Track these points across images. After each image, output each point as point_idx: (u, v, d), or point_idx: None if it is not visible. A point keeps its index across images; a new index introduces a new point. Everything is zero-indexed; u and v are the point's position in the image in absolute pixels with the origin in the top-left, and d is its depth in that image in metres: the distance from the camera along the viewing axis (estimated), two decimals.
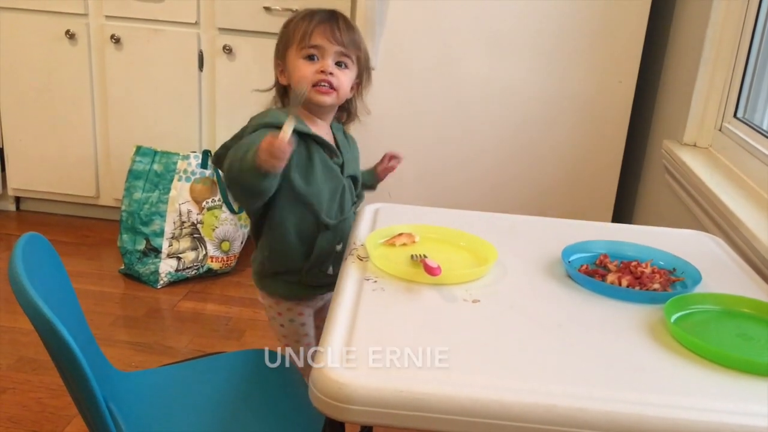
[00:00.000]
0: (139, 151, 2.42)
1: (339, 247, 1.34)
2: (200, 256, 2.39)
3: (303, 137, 1.28)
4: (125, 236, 2.37)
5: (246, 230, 2.52)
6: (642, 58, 2.17)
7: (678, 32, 2.12)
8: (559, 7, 2.13)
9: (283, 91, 1.38)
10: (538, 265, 1.16)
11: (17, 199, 2.84)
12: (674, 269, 1.15)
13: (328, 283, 1.34)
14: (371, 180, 1.51)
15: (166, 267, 2.34)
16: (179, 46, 2.49)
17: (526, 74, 2.20)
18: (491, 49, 2.19)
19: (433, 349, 0.89)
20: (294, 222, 1.30)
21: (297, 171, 1.26)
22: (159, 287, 2.34)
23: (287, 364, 1.22)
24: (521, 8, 2.14)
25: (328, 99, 1.31)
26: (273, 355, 1.25)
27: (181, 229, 2.37)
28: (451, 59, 2.21)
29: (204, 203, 2.39)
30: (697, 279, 1.11)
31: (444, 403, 0.80)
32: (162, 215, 2.35)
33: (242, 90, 2.52)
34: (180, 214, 2.36)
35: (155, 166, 2.40)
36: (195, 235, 2.38)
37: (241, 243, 2.50)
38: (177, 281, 2.38)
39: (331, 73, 1.29)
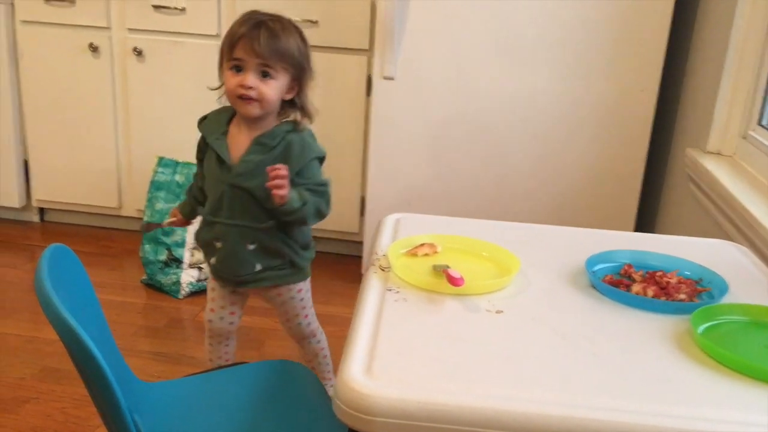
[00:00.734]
0: (161, 162, 2.44)
1: (219, 246, 1.48)
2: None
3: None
4: (147, 246, 2.38)
5: None
6: (664, 66, 2.15)
7: (701, 38, 2.10)
8: (579, 15, 2.13)
9: None
10: (561, 275, 1.15)
11: (41, 211, 2.88)
12: (700, 279, 1.14)
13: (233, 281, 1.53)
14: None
15: (188, 277, 2.36)
16: (200, 58, 2.51)
17: (546, 83, 2.20)
18: (511, 57, 2.19)
19: (456, 361, 0.88)
20: (203, 207, 1.52)
21: (204, 164, 1.48)
22: (180, 297, 2.35)
23: (309, 376, 1.22)
24: (541, 16, 2.14)
25: (252, 110, 1.39)
26: (294, 366, 1.25)
27: None
28: (469, 68, 2.21)
29: None
30: (723, 289, 1.09)
31: (468, 416, 0.80)
32: None
33: None
34: None
35: (177, 177, 2.42)
36: None
37: None
38: (198, 291, 2.39)
39: (250, 87, 1.37)
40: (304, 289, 1.61)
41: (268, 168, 1.33)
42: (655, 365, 0.90)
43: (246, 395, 1.18)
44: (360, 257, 2.59)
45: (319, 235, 2.69)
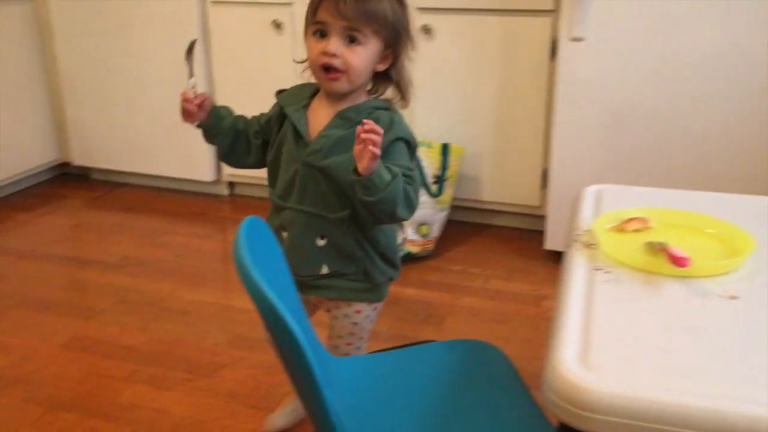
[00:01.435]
0: None
1: (285, 236, 1.29)
2: (399, 240, 2.38)
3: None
4: None
5: (445, 214, 2.47)
6: None
7: None
8: None
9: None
10: None
11: (231, 185, 3.02)
12: None
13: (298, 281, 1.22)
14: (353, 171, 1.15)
15: None
16: None
17: (762, 36, 1.93)
18: (720, 7, 1.94)
19: (686, 354, 0.76)
20: (269, 180, 1.35)
21: (273, 143, 1.31)
22: None
23: (504, 359, 1.14)
24: None
25: (338, 85, 1.21)
26: (488, 348, 1.18)
27: None
28: (670, 22, 1.99)
29: None
30: None
31: (706, 420, 0.68)
32: None
33: (440, 71, 2.46)
34: None
35: None
36: None
37: (440, 227, 2.46)
38: None
39: (334, 55, 1.18)
40: (365, 312, 1.35)
41: (364, 120, 1.09)
42: None
43: (436, 375, 1.13)
44: (541, 232, 2.46)
45: (496, 208, 2.60)
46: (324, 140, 1.23)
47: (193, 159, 2.89)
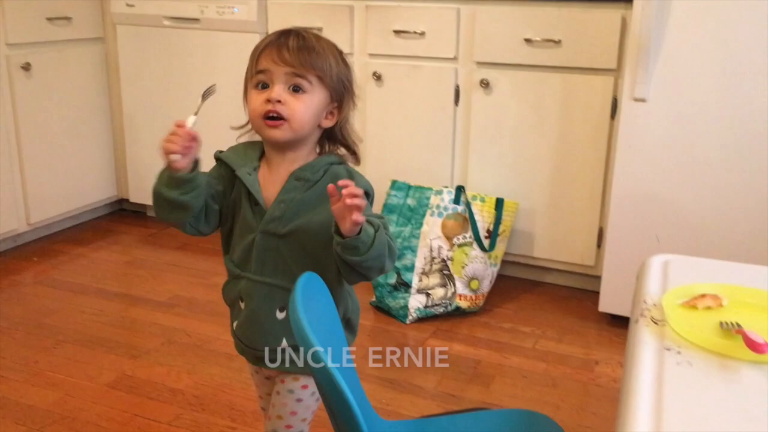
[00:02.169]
0: (394, 185, 2.45)
1: (242, 307, 1.19)
2: (449, 294, 2.34)
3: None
4: None
5: (496, 269, 2.43)
6: None
7: None
8: None
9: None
10: None
11: None
12: None
13: (251, 354, 1.23)
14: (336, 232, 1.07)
15: (416, 302, 2.33)
16: (436, 81, 2.49)
17: None
18: None
19: None
20: (228, 257, 1.24)
21: (225, 209, 1.20)
22: (407, 322, 2.33)
23: None
24: None
25: (278, 133, 1.12)
26: (542, 419, 1.13)
27: (431, 264, 2.34)
28: (740, 87, 1.94)
29: (455, 239, 2.35)
30: None
31: None
32: (413, 250, 2.35)
33: (497, 125, 2.45)
34: (431, 249, 2.34)
35: (409, 201, 2.42)
36: (444, 272, 2.34)
37: (490, 282, 2.42)
38: (425, 318, 2.35)
39: (278, 101, 1.11)
40: (312, 388, 1.21)
41: (340, 182, 1.02)
42: None
43: None
44: (595, 292, 2.39)
45: (548, 265, 2.55)
46: (283, 206, 1.15)
47: None
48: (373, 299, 2.43)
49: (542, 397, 1.92)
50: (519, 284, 2.60)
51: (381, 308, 2.41)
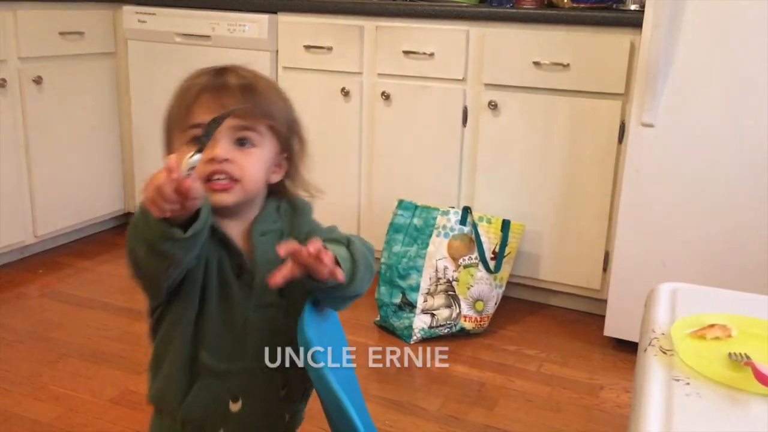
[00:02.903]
0: (401, 204, 2.45)
1: (236, 407, 0.98)
2: (454, 315, 2.34)
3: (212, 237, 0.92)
4: (383, 288, 2.39)
5: (501, 291, 2.42)
6: None
7: None
8: None
9: None
10: None
11: None
12: None
13: None
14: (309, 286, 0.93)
15: (420, 323, 2.32)
16: (445, 102, 2.50)
17: None
18: None
19: None
20: (178, 344, 0.95)
21: (186, 290, 0.94)
22: (412, 342, 2.32)
23: None
24: None
25: (228, 197, 0.94)
26: None
27: (437, 285, 2.34)
28: (748, 113, 1.95)
29: (461, 260, 2.35)
30: None
31: None
32: (419, 270, 2.35)
33: (505, 147, 2.46)
34: (436, 270, 2.34)
35: (415, 221, 2.42)
36: (450, 293, 2.34)
37: (495, 304, 2.41)
38: (429, 338, 2.34)
39: (226, 159, 0.93)
40: None
41: (310, 244, 0.86)
42: None
43: None
44: (600, 316, 2.38)
45: (554, 288, 2.54)
46: (269, 267, 0.92)
47: None
48: (378, 318, 2.42)
49: (546, 422, 1.91)
50: (524, 306, 2.60)
51: (385, 328, 2.40)
